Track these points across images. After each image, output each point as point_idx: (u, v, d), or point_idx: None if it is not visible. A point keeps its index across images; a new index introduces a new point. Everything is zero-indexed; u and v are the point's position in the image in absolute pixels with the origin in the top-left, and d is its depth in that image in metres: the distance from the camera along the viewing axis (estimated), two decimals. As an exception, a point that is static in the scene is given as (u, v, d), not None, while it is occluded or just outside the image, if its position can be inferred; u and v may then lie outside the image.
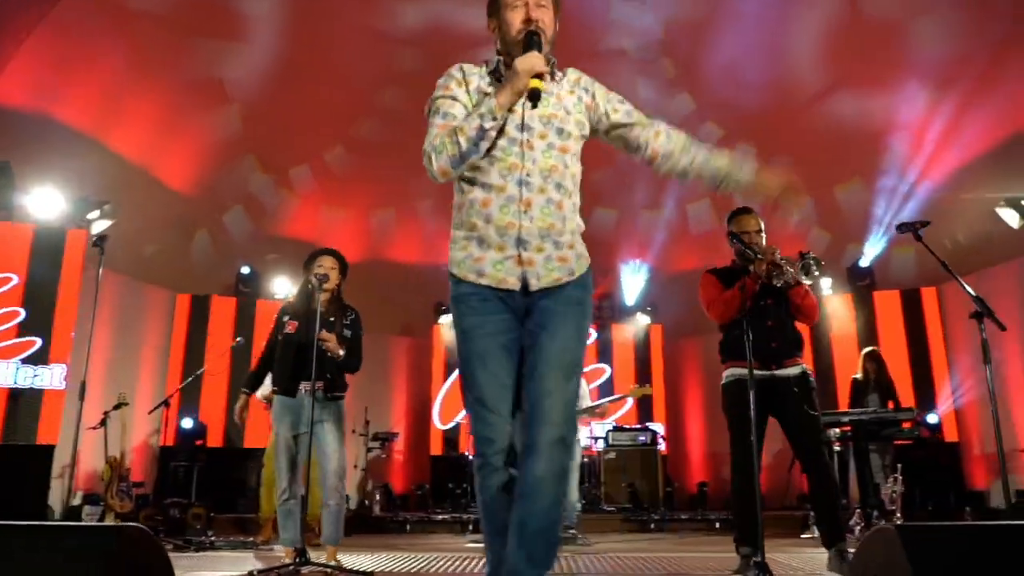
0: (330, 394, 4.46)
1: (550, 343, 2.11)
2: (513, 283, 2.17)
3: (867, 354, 7.65)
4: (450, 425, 10.55)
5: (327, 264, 4.56)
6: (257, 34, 9.63)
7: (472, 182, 2.24)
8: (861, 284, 10.00)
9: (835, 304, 9.98)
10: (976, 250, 8.77)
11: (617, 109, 2.37)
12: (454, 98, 2.28)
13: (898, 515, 6.66)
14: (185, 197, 9.83)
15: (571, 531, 6.65)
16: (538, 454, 2.03)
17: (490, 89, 2.26)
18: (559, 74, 2.35)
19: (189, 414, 8.93)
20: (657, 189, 11.44)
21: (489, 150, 2.21)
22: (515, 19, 2.25)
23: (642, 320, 10.99)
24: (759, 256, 4.06)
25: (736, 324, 4.10)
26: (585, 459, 9.34)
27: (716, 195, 11.59)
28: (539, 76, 2.06)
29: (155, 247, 9.45)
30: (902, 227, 4.13)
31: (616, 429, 9.38)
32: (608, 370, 10.84)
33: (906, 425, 7.35)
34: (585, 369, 8.99)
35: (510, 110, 2.17)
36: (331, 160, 11.03)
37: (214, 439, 9.12)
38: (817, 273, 3.98)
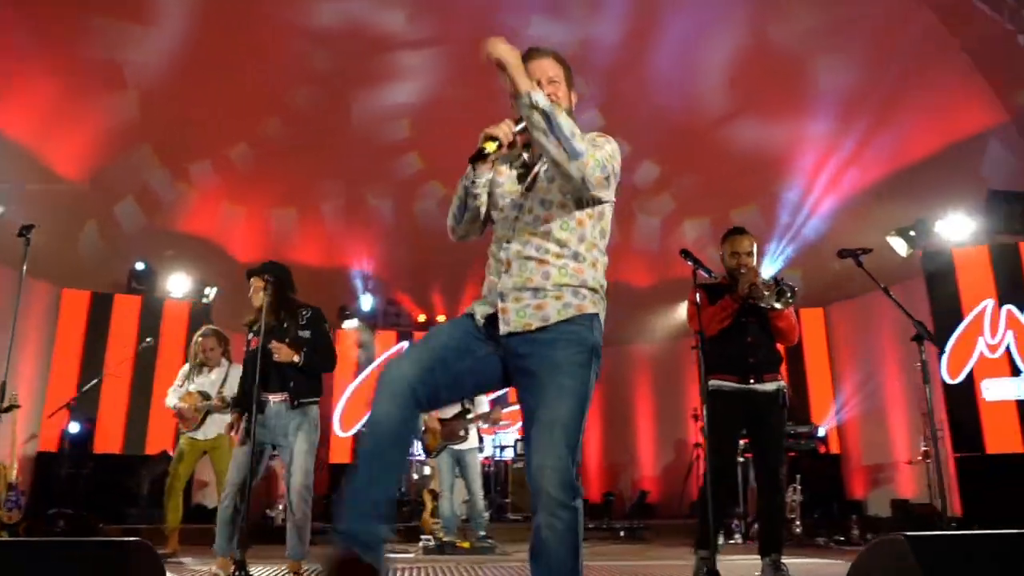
0: (296, 402, 4.31)
1: (539, 410, 2.17)
2: (478, 318, 2.30)
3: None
4: (351, 432, 10.33)
5: (251, 286, 4.48)
6: (163, 18, 9.14)
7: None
8: (754, 303, 10.53)
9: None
10: (861, 275, 9.37)
11: None
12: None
13: (797, 523, 7.06)
14: (74, 185, 9.19)
15: (489, 540, 6.67)
16: (543, 518, 2.11)
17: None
18: None
19: (75, 418, 8.32)
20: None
21: (492, 224, 2.47)
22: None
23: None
24: (714, 278, 4.27)
25: (717, 339, 4.28)
26: (491, 468, 9.39)
27: (623, 210, 12.00)
28: (494, 139, 2.23)
29: (40, 238, 8.75)
30: (843, 253, 4.39)
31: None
32: (511, 380, 10.93)
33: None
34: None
35: (517, 188, 2.40)
36: (234, 157, 10.60)
37: (102, 445, 8.54)
38: (791, 299, 4.19)
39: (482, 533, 6.64)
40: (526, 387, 2.23)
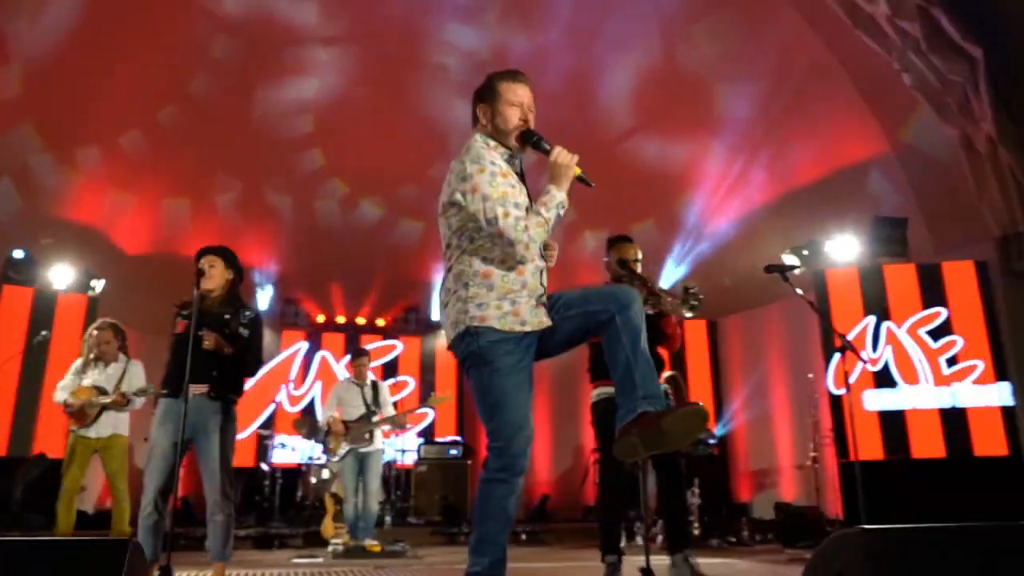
0: (217, 395, 4.12)
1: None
2: (547, 321, 2.67)
3: (666, 378, 8.37)
4: (244, 435, 9.95)
5: (204, 263, 4.28)
6: (55, -11, 8.59)
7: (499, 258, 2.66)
8: (649, 315, 10.92)
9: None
10: (750, 290, 9.89)
11: None
12: (508, 184, 2.66)
13: (696, 524, 7.36)
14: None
15: (400, 543, 6.61)
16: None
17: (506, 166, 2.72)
18: None
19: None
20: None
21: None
22: (513, 116, 2.74)
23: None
24: (637, 283, 4.39)
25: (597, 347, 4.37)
26: (394, 471, 9.27)
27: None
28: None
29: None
30: (770, 268, 4.60)
31: (427, 443, 9.38)
32: (412, 383, 10.86)
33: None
34: (389, 381, 8.82)
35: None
36: (125, 142, 10.06)
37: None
38: (697, 306, 4.34)
39: (368, 540, 6.46)
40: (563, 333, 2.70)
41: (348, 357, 10.85)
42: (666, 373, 8.74)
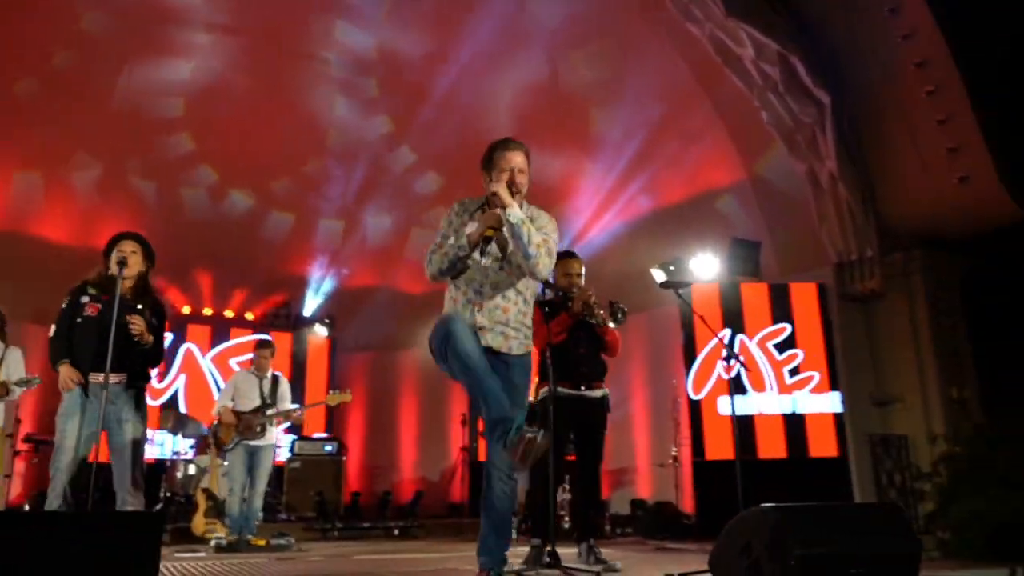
0: (131, 384, 4.07)
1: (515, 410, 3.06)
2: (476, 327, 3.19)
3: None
4: (98, 428, 9.46)
5: (127, 248, 4.22)
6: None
7: (452, 284, 3.25)
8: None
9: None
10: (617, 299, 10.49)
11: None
12: (450, 223, 3.24)
13: (566, 519, 7.82)
14: None
15: (286, 537, 6.61)
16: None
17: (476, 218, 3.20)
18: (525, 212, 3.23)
19: None
20: (340, 201, 11.68)
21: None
22: (503, 178, 3.17)
23: (319, 331, 11.07)
24: (572, 295, 4.78)
25: (553, 350, 4.74)
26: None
27: (395, 212, 12.15)
28: (496, 228, 3.05)
29: None
30: (665, 285, 5.06)
31: (302, 439, 9.29)
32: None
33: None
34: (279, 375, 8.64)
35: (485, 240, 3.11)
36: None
37: None
38: (621, 319, 4.78)
39: (249, 537, 6.43)
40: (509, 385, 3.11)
41: (215, 350, 10.59)
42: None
